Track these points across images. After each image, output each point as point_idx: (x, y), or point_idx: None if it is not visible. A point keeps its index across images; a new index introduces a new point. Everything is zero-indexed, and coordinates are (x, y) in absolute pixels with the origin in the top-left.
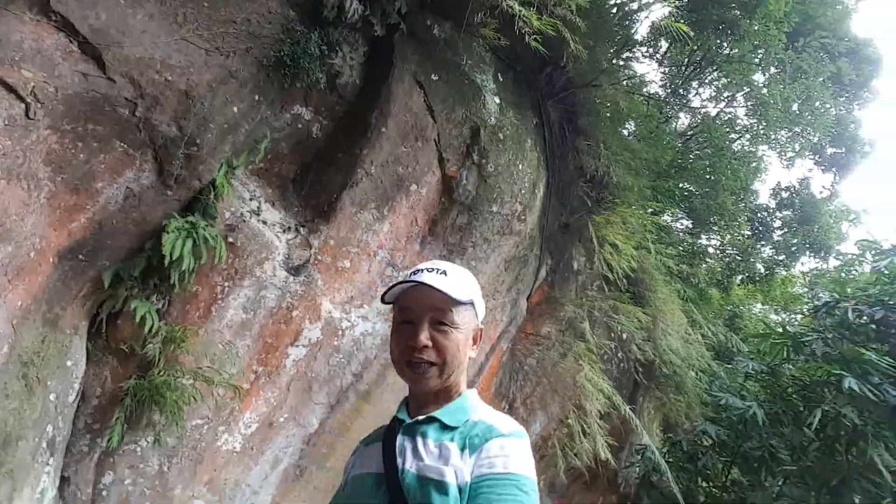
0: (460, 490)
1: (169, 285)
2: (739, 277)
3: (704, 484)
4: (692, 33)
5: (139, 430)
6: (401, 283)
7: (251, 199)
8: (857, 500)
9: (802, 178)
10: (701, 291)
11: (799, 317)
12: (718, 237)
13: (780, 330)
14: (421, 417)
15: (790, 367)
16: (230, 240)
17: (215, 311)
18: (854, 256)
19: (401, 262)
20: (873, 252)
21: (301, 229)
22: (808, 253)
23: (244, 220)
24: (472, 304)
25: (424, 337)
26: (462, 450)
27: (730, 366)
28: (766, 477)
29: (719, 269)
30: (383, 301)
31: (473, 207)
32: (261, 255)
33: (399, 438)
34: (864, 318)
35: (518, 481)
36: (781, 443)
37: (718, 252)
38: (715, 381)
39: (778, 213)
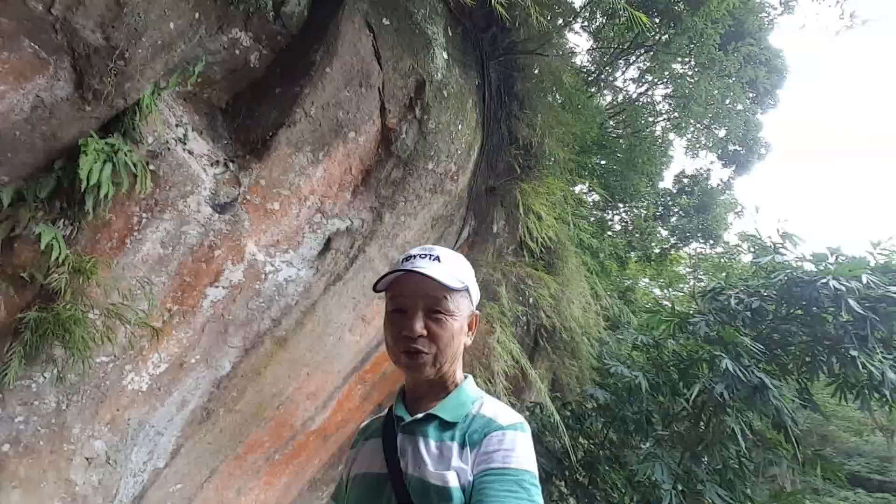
0: (464, 490)
1: (79, 211)
2: (636, 254)
3: (584, 441)
4: (647, 22)
5: (37, 366)
6: (394, 272)
7: (177, 126)
8: (715, 463)
9: (705, 169)
10: (602, 264)
11: (680, 294)
12: (624, 214)
13: (669, 309)
14: (420, 416)
15: (672, 342)
16: (152, 168)
17: (130, 244)
18: (734, 246)
19: (330, 210)
20: (754, 245)
21: (230, 165)
22: (699, 238)
23: (169, 149)
24: (466, 290)
25: (419, 326)
26: (462, 447)
27: (621, 337)
28: (640, 439)
29: (621, 245)
30: (375, 290)
31: (409, 163)
32: (185, 188)
33: (399, 437)
34: (743, 305)
35: (518, 476)
36: (657, 410)
37: (622, 228)
38: (605, 350)
39: (678, 199)
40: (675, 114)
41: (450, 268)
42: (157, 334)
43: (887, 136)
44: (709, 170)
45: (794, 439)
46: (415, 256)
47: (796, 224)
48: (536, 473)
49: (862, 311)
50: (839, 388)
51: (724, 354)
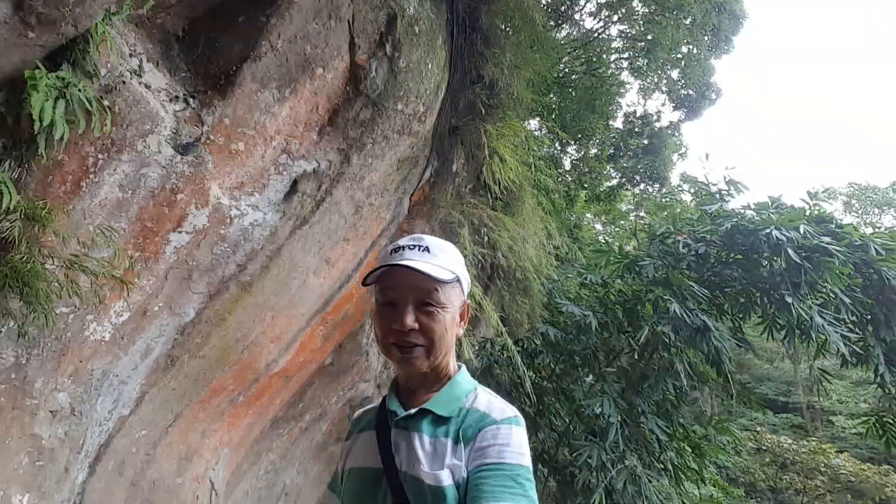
0: (458, 486)
1: (27, 151)
2: (585, 193)
3: (532, 375)
4: None
5: None
6: (382, 266)
7: (131, 56)
8: (656, 396)
9: (656, 111)
10: (553, 202)
11: (621, 231)
12: (575, 153)
13: (618, 250)
14: (413, 412)
15: (620, 281)
16: (107, 104)
17: (86, 187)
18: (676, 187)
19: (296, 151)
20: (699, 191)
21: (191, 101)
22: (647, 180)
23: (124, 82)
24: (457, 280)
25: (410, 319)
26: (456, 443)
27: (570, 275)
28: (586, 373)
29: (571, 183)
30: (364, 284)
31: (379, 103)
32: (144, 127)
33: (392, 432)
34: (689, 250)
35: (513, 471)
36: (602, 346)
37: (572, 167)
38: (556, 288)
39: (628, 140)
40: (638, 58)
41: (440, 259)
42: (119, 283)
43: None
44: (659, 112)
45: (726, 374)
46: (404, 248)
47: (741, 171)
48: (531, 467)
49: (798, 261)
50: (768, 327)
51: (672, 298)
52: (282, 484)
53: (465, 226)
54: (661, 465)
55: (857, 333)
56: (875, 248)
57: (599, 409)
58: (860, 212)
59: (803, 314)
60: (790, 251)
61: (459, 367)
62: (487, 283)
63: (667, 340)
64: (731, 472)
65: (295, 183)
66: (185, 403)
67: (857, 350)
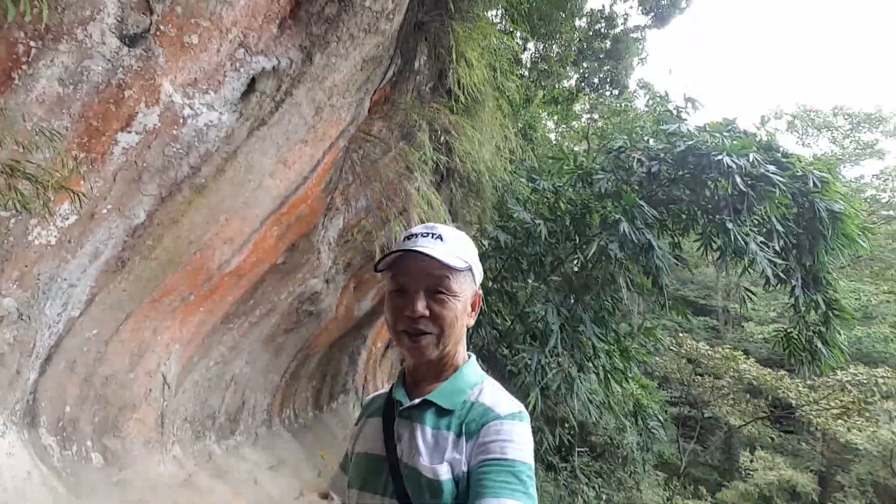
0: (458, 482)
1: None
2: (543, 94)
3: None
4: None
5: None
6: (395, 252)
7: None
8: (595, 304)
9: (623, 14)
10: (512, 103)
11: (572, 132)
12: (539, 51)
13: (573, 159)
14: (416, 402)
15: (571, 190)
16: None
17: (20, 80)
18: (632, 92)
19: (255, 45)
20: (658, 105)
21: None
22: (607, 85)
23: None
24: (469, 269)
25: (421, 306)
26: (458, 436)
27: (523, 180)
28: (532, 277)
29: (530, 84)
30: (377, 270)
31: None
32: (83, 13)
33: (396, 422)
34: (643, 168)
35: (514, 467)
36: (550, 253)
37: (532, 67)
38: (508, 192)
39: (592, 43)
40: None
41: (452, 247)
42: (63, 185)
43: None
44: (626, 15)
45: (661, 287)
46: (416, 235)
47: (703, 85)
48: (533, 465)
49: (744, 189)
50: (705, 246)
51: (622, 217)
52: (231, 374)
53: (426, 131)
54: (594, 369)
55: (782, 258)
56: (814, 181)
57: (543, 316)
58: (801, 132)
59: (740, 240)
60: (738, 179)
61: (469, 357)
62: (439, 184)
63: (613, 256)
64: (650, 367)
65: (253, 81)
66: (136, 303)
67: (780, 274)
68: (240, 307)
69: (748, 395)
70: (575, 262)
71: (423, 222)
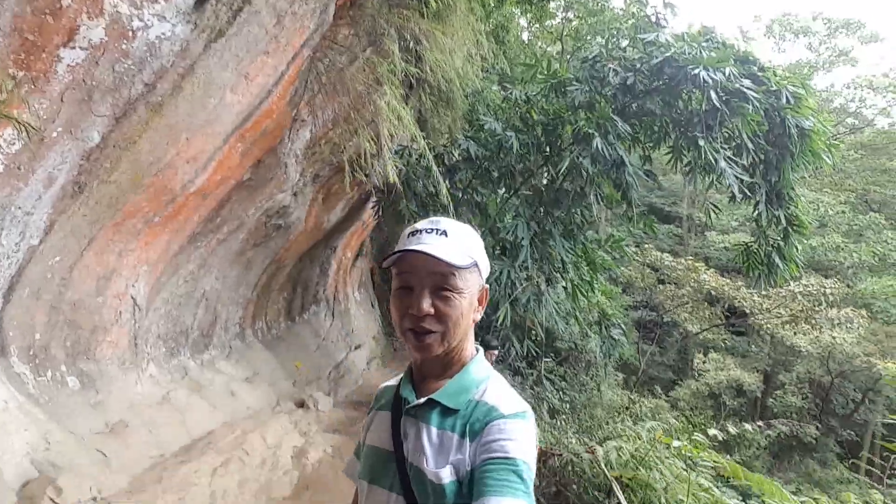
0: (461, 482)
1: None
2: None
3: (447, 184)
4: None
5: None
6: (399, 252)
7: None
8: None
9: None
10: (484, 4)
11: (546, 33)
12: None
13: (546, 66)
14: (421, 402)
15: (543, 100)
16: None
17: None
18: None
19: None
20: (637, 13)
21: None
22: None
23: None
24: (475, 265)
25: (426, 304)
26: (462, 437)
27: (495, 87)
28: (503, 189)
29: None
30: (381, 267)
31: None
32: None
33: (403, 419)
34: (619, 78)
35: (516, 465)
36: (521, 166)
37: None
38: (479, 100)
39: None
40: None
41: (457, 243)
42: (1, 108)
43: None
44: None
45: (630, 202)
46: (421, 231)
47: None
48: (534, 465)
49: (718, 105)
50: (675, 159)
51: (595, 132)
52: (201, 291)
53: (394, 38)
54: (562, 282)
55: (749, 174)
56: (787, 96)
57: (513, 230)
58: (778, 38)
59: (710, 156)
60: (713, 94)
61: (477, 350)
62: (408, 94)
63: (585, 173)
64: (615, 274)
65: None
66: (98, 228)
67: (746, 191)
68: (206, 225)
69: (706, 304)
70: (546, 175)
71: (392, 136)
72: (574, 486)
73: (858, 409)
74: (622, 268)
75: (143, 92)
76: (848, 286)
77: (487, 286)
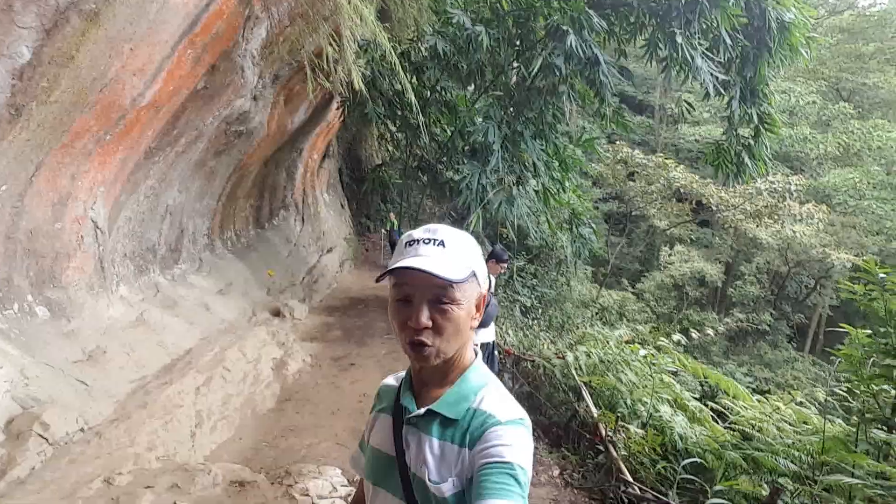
0: (464, 491)
1: None
2: None
3: (415, 81)
4: None
5: None
6: (396, 267)
7: None
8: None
9: None
10: None
11: None
12: None
13: None
14: (421, 412)
15: None
16: None
17: None
18: None
19: None
20: None
21: None
22: None
23: None
24: (473, 274)
25: (424, 317)
26: (462, 446)
27: None
28: (471, 87)
29: None
30: (377, 281)
31: None
32: None
33: (405, 428)
34: None
35: (513, 470)
36: (491, 62)
37: None
38: None
39: None
40: None
41: (455, 253)
42: None
43: None
44: None
45: (603, 99)
46: (418, 241)
47: None
48: (530, 471)
49: None
50: (650, 54)
51: (570, 29)
52: (164, 205)
53: None
54: (534, 185)
55: (724, 69)
56: None
57: (484, 135)
58: None
59: (687, 54)
60: None
61: (476, 355)
62: None
63: (557, 72)
64: (585, 169)
65: None
66: (45, 152)
67: (720, 89)
68: (163, 139)
69: (674, 200)
70: (517, 73)
71: (353, 34)
72: (546, 388)
73: (810, 295)
74: (593, 164)
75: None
76: (812, 178)
77: (485, 293)
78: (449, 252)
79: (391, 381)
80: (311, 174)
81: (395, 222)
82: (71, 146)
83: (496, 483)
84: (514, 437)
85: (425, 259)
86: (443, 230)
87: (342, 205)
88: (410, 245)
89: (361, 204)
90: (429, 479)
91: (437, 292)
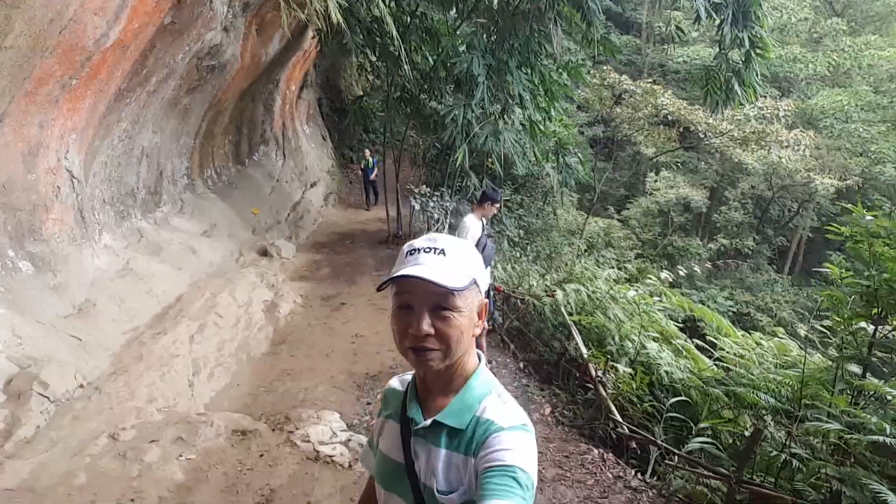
0: (474, 500)
1: None
2: None
3: (394, 7)
4: None
5: None
6: (397, 277)
7: None
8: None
9: None
10: None
11: None
12: None
13: None
14: (428, 424)
15: None
16: None
17: None
18: None
19: None
20: None
21: None
22: None
23: None
24: (474, 282)
25: (426, 325)
26: (467, 455)
27: None
28: (453, 11)
29: None
30: (378, 290)
31: None
32: None
33: (413, 439)
34: None
35: (514, 472)
36: None
37: None
38: None
39: None
40: None
41: (455, 262)
42: None
43: None
44: None
45: (591, 23)
46: (419, 251)
47: None
48: (533, 475)
49: None
50: None
51: None
52: (139, 147)
53: None
54: (521, 117)
55: None
56: None
57: (468, 67)
58: None
59: None
60: None
61: (480, 360)
62: None
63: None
64: (572, 95)
65: None
66: (7, 101)
67: (712, 12)
68: (132, 80)
69: (662, 126)
70: None
71: None
72: (536, 324)
73: (793, 219)
74: (579, 90)
75: None
76: (800, 99)
77: (486, 300)
78: (449, 260)
79: (396, 384)
80: (289, 106)
81: (370, 160)
82: (35, 94)
83: (497, 485)
84: (515, 442)
85: (425, 267)
86: (443, 239)
87: (323, 137)
88: (411, 254)
89: (343, 135)
90: (437, 491)
91: (438, 300)
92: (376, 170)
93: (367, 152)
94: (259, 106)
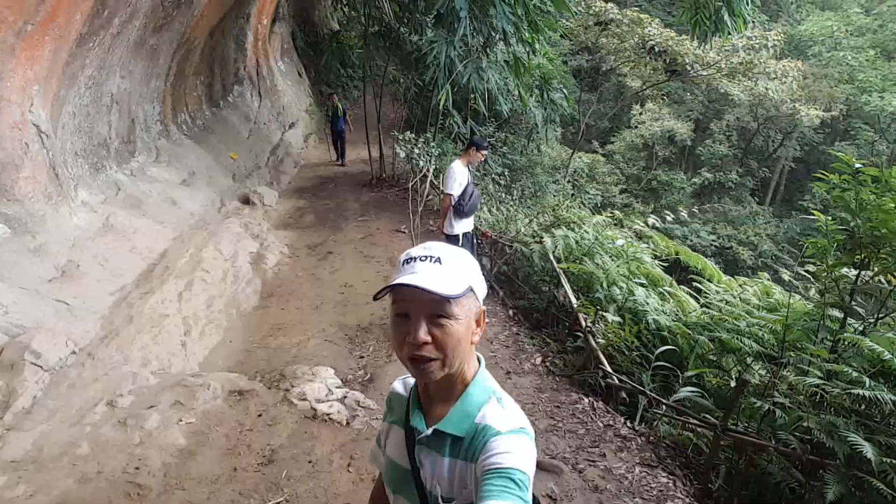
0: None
1: None
2: None
3: None
4: None
5: None
6: (393, 286)
7: None
8: None
9: None
10: None
11: None
12: None
13: None
14: (430, 433)
15: None
16: None
17: None
18: None
19: None
20: None
21: None
22: None
23: None
24: (471, 289)
25: (423, 333)
26: (468, 461)
27: None
28: None
29: None
30: (375, 299)
31: None
32: None
33: (417, 448)
34: None
35: (513, 474)
36: None
37: None
38: None
39: None
40: None
41: (452, 270)
42: None
43: None
44: None
45: None
46: (415, 259)
47: None
48: (531, 476)
49: None
50: None
51: None
52: (108, 94)
53: None
54: (505, 55)
55: None
56: None
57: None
58: None
59: None
60: None
61: (480, 365)
62: None
63: None
64: (557, 30)
65: None
66: None
67: None
68: (94, 22)
69: (648, 58)
70: None
71: None
72: (524, 269)
73: (776, 150)
74: (563, 21)
75: None
76: (789, 24)
77: (484, 308)
78: (445, 268)
79: (399, 387)
80: (262, 42)
81: (340, 106)
82: None
83: (495, 486)
84: (513, 445)
85: (421, 276)
86: (439, 248)
87: (300, 73)
88: (408, 263)
89: (321, 71)
90: (441, 498)
91: (435, 308)
92: (347, 118)
93: (335, 97)
94: (230, 42)
